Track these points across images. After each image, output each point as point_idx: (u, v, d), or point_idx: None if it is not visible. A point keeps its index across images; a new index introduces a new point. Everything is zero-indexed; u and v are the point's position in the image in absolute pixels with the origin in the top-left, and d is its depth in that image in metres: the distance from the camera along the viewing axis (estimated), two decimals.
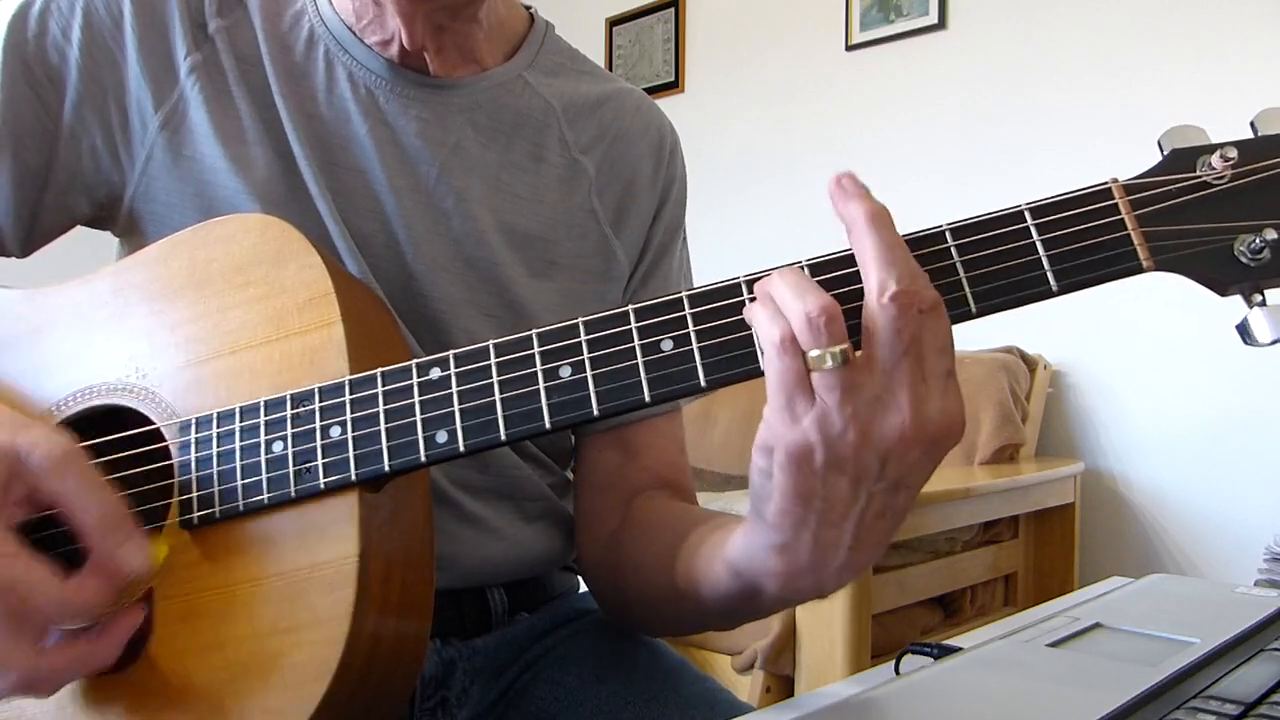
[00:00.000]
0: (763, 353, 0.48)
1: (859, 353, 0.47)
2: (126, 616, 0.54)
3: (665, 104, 0.87)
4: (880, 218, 0.48)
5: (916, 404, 0.47)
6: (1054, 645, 0.55)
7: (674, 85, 3.40)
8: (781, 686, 1.78)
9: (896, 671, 0.57)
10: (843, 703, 0.49)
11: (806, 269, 0.50)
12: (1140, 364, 2.38)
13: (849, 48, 2.94)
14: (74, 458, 0.52)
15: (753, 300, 0.50)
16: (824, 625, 1.69)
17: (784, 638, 1.75)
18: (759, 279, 0.50)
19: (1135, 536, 2.41)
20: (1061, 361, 2.52)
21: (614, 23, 3.61)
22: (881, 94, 2.87)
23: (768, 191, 3.10)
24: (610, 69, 3.50)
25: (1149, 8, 2.39)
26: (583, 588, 0.86)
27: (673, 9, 3.43)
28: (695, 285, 0.86)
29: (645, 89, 0.87)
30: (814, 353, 0.46)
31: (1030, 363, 2.44)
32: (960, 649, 0.56)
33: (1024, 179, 2.55)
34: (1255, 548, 1.68)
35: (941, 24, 2.75)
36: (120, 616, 0.54)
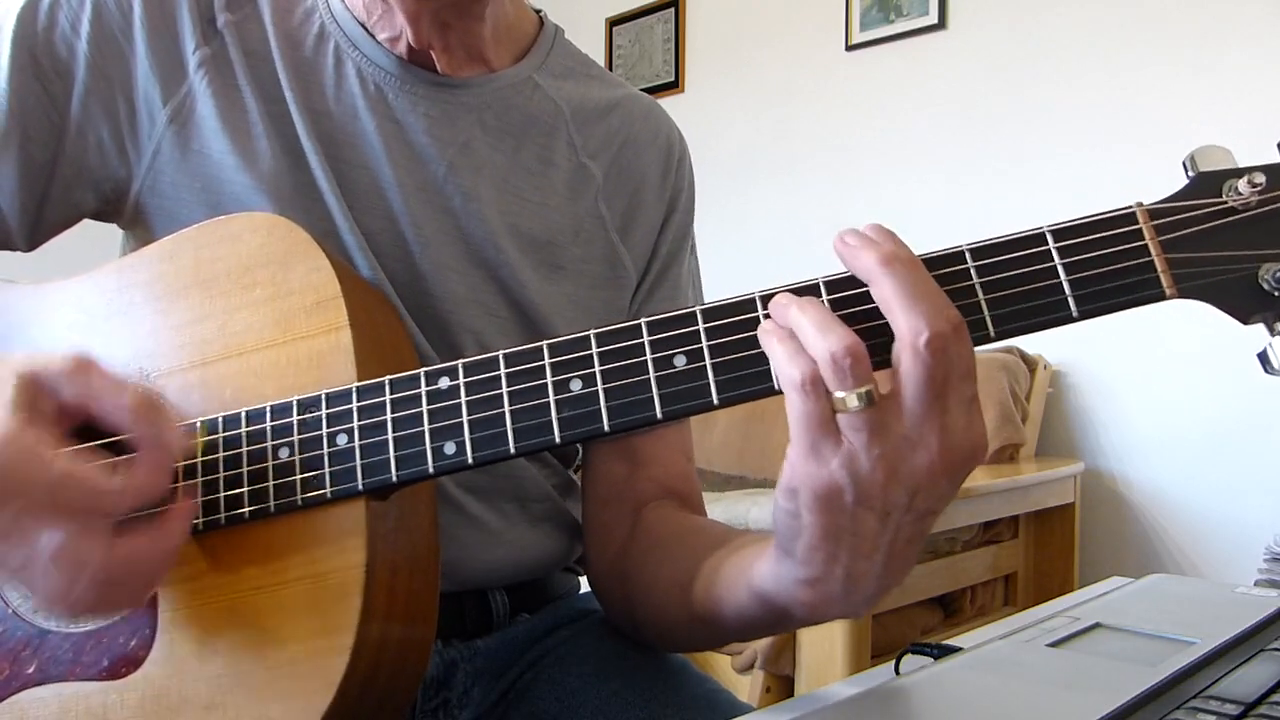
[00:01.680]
0: (780, 386, 0.48)
1: (884, 390, 0.46)
2: (183, 501, 0.55)
3: (665, 104, 0.87)
4: (894, 260, 0.46)
5: (944, 437, 0.46)
6: (1054, 645, 0.55)
7: (674, 85, 3.40)
8: (781, 686, 1.78)
9: (896, 671, 0.57)
10: (843, 703, 0.49)
11: (824, 287, 0.49)
12: (1140, 364, 2.38)
13: (849, 48, 2.94)
14: (88, 363, 0.52)
15: (767, 317, 0.49)
16: (824, 625, 1.69)
17: (784, 638, 1.75)
18: (773, 295, 0.49)
19: (1135, 536, 2.41)
20: (1061, 361, 2.52)
21: (614, 23, 3.61)
22: (881, 94, 2.87)
23: (768, 191, 3.10)
24: (610, 69, 3.50)
25: (1149, 7, 2.39)
26: (583, 588, 0.86)
27: (673, 9, 3.43)
28: (702, 290, 0.87)
29: (645, 89, 0.87)
30: (839, 394, 0.45)
31: (1030, 363, 2.45)
32: (960, 649, 0.56)
33: (1024, 179, 2.55)
34: (1255, 548, 1.68)
35: (941, 24, 2.76)
36: (176, 503, 0.54)
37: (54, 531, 0.49)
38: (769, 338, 0.48)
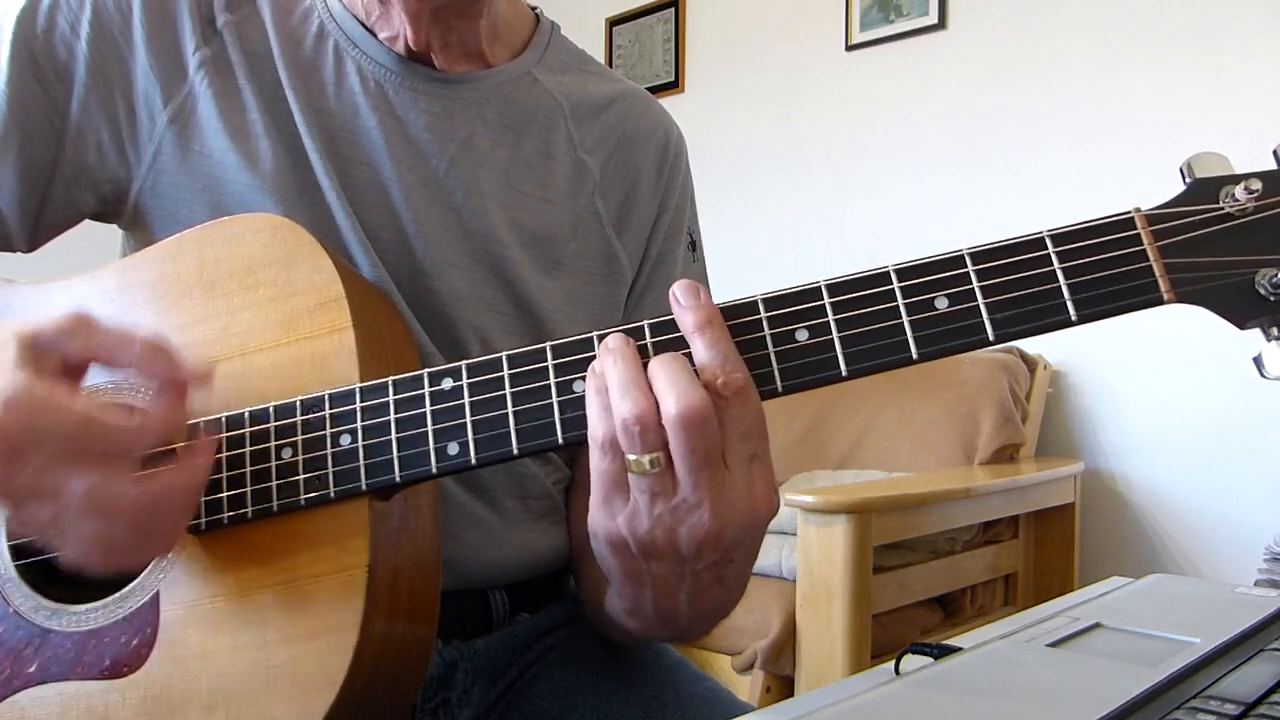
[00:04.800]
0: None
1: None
2: (201, 440, 0.55)
3: (665, 104, 0.87)
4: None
5: (717, 500, 0.48)
6: (1054, 645, 0.55)
7: (674, 85, 3.40)
8: (781, 686, 1.78)
9: (896, 671, 0.57)
10: (843, 703, 0.49)
11: (825, 290, 0.50)
12: (1140, 364, 2.38)
13: (849, 48, 2.94)
14: (87, 318, 0.52)
15: (760, 323, 0.51)
16: (824, 625, 1.70)
17: (784, 638, 1.76)
18: (774, 297, 0.51)
19: (1135, 536, 2.41)
20: (1061, 361, 2.53)
21: (614, 23, 3.61)
22: (881, 94, 2.87)
23: (768, 191, 3.10)
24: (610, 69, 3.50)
25: (1149, 8, 2.39)
26: None
27: (673, 9, 3.43)
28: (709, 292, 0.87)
29: (645, 89, 0.87)
30: (631, 456, 0.48)
31: (1030, 363, 2.45)
32: (960, 649, 0.56)
33: (1023, 179, 2.55)
34: (1255, 548, 1.68)
35: (941, 24, 2.76)
36: (195, 441, 0.55)
37: (80, 479, 0.49)
38: (589, 387, 0.50)
